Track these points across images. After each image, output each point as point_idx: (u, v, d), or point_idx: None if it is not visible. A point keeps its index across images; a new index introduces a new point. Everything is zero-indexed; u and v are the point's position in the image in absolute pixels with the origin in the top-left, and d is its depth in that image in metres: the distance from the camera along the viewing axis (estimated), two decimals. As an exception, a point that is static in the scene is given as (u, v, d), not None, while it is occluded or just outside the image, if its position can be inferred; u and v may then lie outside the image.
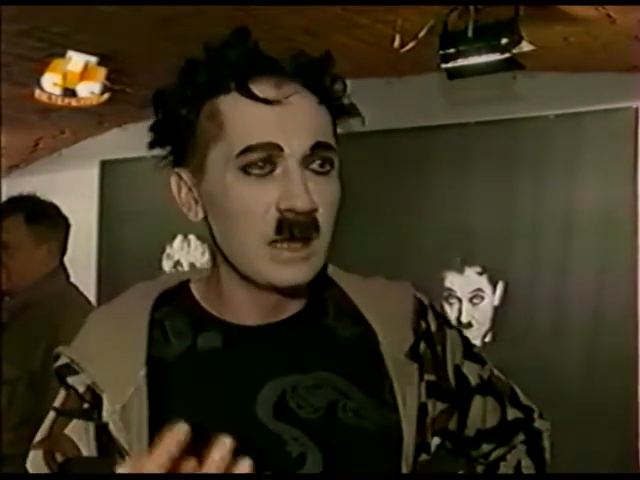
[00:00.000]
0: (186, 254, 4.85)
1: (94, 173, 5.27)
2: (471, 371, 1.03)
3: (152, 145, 0.89)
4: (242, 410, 0.86)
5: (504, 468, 1.07)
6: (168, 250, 4.91)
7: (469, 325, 3.74)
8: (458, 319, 3.77)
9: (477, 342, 3.71)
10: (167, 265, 4.90)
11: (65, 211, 2.27)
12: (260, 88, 0.83)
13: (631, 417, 3.25)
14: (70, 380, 0.89)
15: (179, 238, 4.86)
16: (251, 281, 0.87)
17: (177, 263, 4.88)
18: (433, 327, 0.99)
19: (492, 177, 3.72)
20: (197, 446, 0.70)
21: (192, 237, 4.79)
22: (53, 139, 5.30)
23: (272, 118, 0.82)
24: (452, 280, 3.79)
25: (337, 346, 0.93)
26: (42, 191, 2.27)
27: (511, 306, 3.63)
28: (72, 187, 5.08)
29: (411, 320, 0.96)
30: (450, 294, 3.80)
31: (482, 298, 3.72)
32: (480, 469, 1.09)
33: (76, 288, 2.22)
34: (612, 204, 3.39)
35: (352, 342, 0.93)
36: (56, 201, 2.26)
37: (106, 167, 5.23)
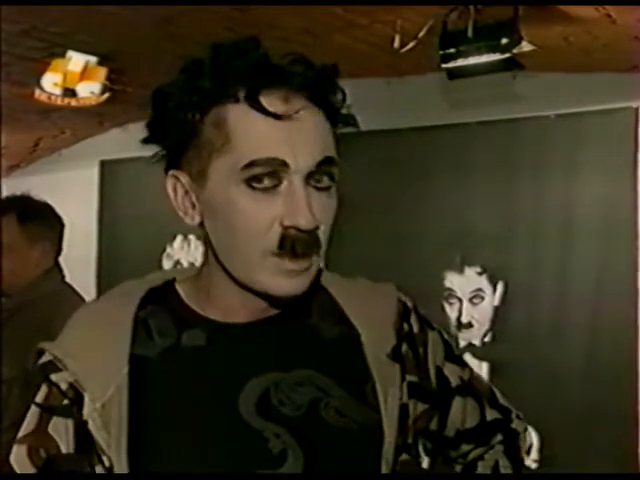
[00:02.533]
0: (186, 254, 4.85)
1: (94, 173, 5.27)
2: (452, 372, 1.04)
3: (147, 141, 0.89)
4: (225, 407, 0.87)
5: (482, 468, 1.08)
6: (168, 250, 4.91)
7: (469, 325, 3.74)
8: (458, 319, 3.77)
9: (477, 342, 3.71)
10: (167, 265, 4.89)
11: (65, 211, 2.26)
12: (269, 101, 0.82)
13: (631, 417, 3.25)
14: (54, 377, 0.89)
15: (179, 238, 4.86)
16: (246, 287, 0.88)
17: (177, 263, 4.88)
18: (415, 329, 1.00)
19: (492, 177, 3.72)
20: None
21: (192, 237, 4.79)
22: (53, 139, 5.30)
23: (280, 133, 0.82)
24: (452, 280, 3.79)
25: (320, 345, 0.93)
26: (42, 191, 2.26)
27: (511, 306, 3.62)
28: (72, 187, 5.08)
29: (394, 322, 0.97)
30: (450, 294, 3.80)
31: (482, 298, 3.71)
32: (458, 469, 1.10)
33: (71, 288, 2.21)
34: (612, 204, 3.39)
35: (335, 342, 0.94)
36: (56, 201, 2.26)
37: (106, 167, 5.22)
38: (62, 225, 2.23)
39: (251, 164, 0.82)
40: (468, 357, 3.69)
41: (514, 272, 3.62)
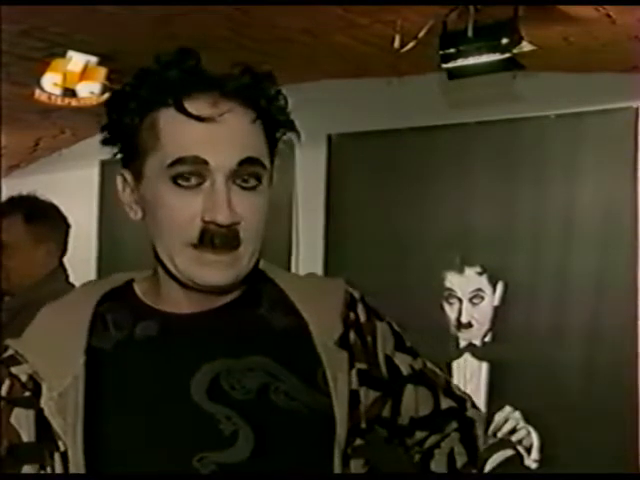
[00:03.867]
0: (186, 254, 4.84)
1: (94, 173, 5.27)
2: (402, 362, 1.07)
3: (104, 143, 0.97)
4: (177, 392, 0.91)
5: (438, 455, 1.11)
6: (168, 250, 4.91)
7: (469, 325, 3.74)
8: (458, 319, 3.77)
9: (477, 342, 3.71)
10: (167, 265, 4.89)
11: (65, 211, 2.26)
12: (196, 105, 0.90)
13: (631, 417, 3.25)
14: (14, 370, 0.94)
15: (179, 238, 4.85)
16: (176, 279, 0.95)
17: (177, 263, 4.88)
18: (362, 318, 1.04)
19: (492, 177, 3.72)
20: None
21: (192, 237, 4.78)
22: (53, 139, 5.30)
23: (202, 134, 0.89)
24: (452, 280, 3.79)
25: (270, 334, 0.98)
26: (42, 191, 2.26)
27: (511, 306, 3.63)
28: (72, 187, 5.08)
29: (340, 311, 1.02)
30: (450, 294, 3.80)
31: (482, 298, 3.72)
32: (417, 458, 1.13)
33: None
34: (612, 204, 3.39)
35: (285, 331, 0.98)
36: (56, 201, 2.26)
37: (106, 167, 5.22)
38: (67, 226, 2.24)
39: (175, 162, 0.89)
40: (468, 357, 3.69)
41: (514, 272, 3.62)
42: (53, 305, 1.02)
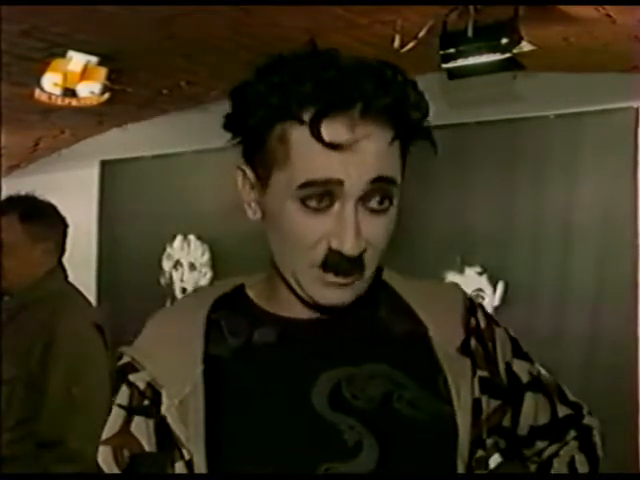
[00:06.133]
0: (186, 254, 4.85)
1: (94, 173, 5.27)
2: (521, 369, 1.05)
3: (225, 127, 0.90)
4: (298, 401, 0.88)
5: (557, 464, 1.08)
6: (168, 250, 4.91)
7: (469, 325, 3.74)
8: (458, 319, 3.76)
9: (477, 342, 3.71)
10: (167, 265, 4.89)
11: (65, 211, 2.27)
12: (332, 127, 0.82)
13: (631, 417, 3.25)
14: (132, 377, 0.92)
15: (179, 238, 4.86)
16: (295, 294, 0.91)
17: (177, 263, 4.88)
18: (483, 324, 1.01)
19: (492, 177, 3.72)
20: None
21: (192, 237, 4.79)
22: (53, 139, 5.30)
23: (337, 160, 0.82)
24: (452, 280, 3.79)
25: (390, 340, 0.95)
26: (42, 191, 2.27)
27: (511, 306, 3.62)
28: (72, 187, 5.08)
29: (461, 317, 0.99)
30: (450, 294, 3.79)
31: (482, 298, 3.71)
32: (533, 468, 1.09)
33: (74, 288, 2.22)
34: (612, 204, 3.39)
35: (404, 337, 0.95)
36: (56, 201, 2.26)
37: (106, 167, 5.22)
38: (65, 225, 2.24)
39: (306, 185, 0.83)
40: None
41: (514, 272, 3.62)
42: (163, 312, 1.00)
